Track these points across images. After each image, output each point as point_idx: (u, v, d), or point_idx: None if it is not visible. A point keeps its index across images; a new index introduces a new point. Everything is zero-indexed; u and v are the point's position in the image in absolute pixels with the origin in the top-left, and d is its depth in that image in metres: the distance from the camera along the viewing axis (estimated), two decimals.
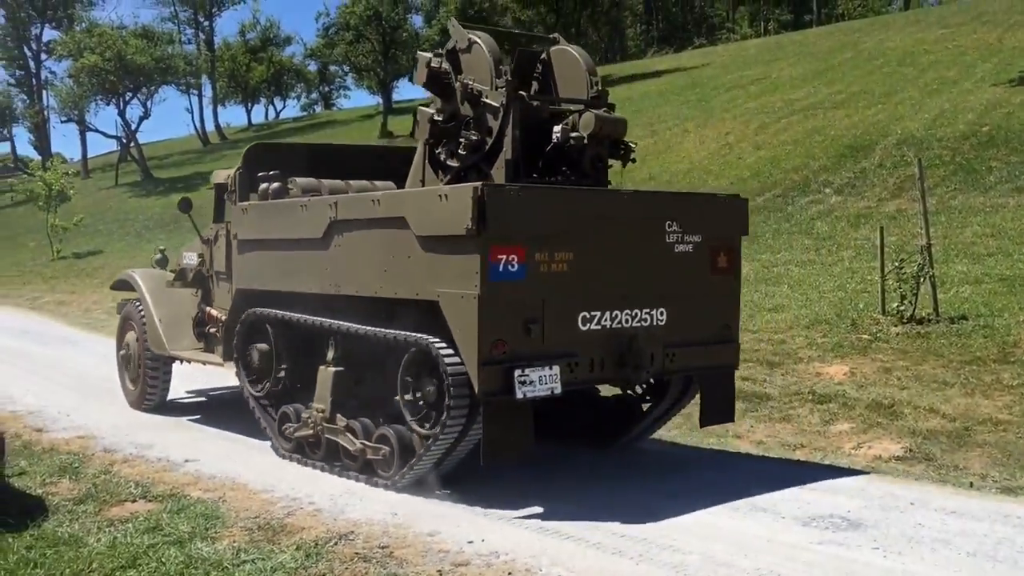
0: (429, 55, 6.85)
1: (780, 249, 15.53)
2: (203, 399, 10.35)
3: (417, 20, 56.47)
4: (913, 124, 21.09)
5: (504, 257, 5.64)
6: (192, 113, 60.65)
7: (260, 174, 7.94)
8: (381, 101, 54.72)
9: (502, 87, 6.34)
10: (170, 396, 9.76)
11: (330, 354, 6.97)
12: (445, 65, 6.72)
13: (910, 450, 7.43)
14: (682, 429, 8.46)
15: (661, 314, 6.42)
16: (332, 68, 68.49)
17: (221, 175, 8.73)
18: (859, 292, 12.10)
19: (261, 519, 5.85)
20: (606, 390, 7.62)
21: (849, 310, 11.28)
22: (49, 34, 61.92)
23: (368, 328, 6.45)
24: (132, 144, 50.34)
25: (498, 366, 5.66)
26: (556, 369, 5.83)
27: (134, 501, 6.25)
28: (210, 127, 61.18)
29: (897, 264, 10.74)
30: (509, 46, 9.60)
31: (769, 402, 8.88)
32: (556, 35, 7.58)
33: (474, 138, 6.44)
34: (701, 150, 24.32)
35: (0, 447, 5.84)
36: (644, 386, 7.39)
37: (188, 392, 10.49)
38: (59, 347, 14.53)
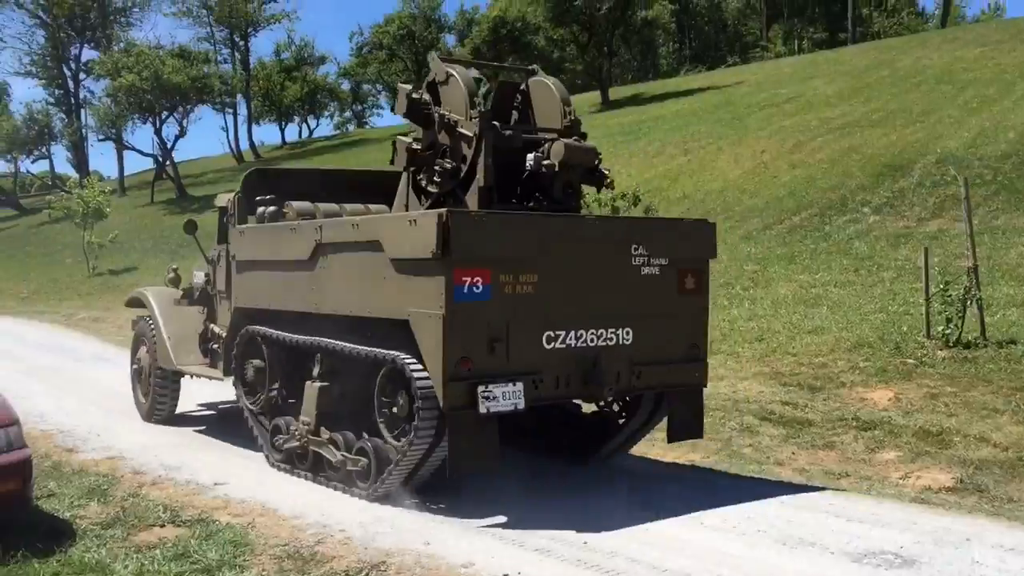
0: (409, 87, 7.22)
1: (818, 269, 15.23)
2: (229, 416, 10.25)
3: (450, 39, 56.72)
4: (953, 143, 20.70)
5: (469, 279, 5.93)
6: (227, 132, 61.49)
7: (258, 198, 8.30)
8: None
9: (476, 117, 6.70)
10: (197, 413, 9.69)
11: (315, 370, 7.26)
12: (425, 96, 7.11)
13: (961, 481, 7.15)
14: (720, 455, 8.23)
15: (627, 333, 6.65)
16: (365, 87, 69.01)
17: (223, 199, 9.05)
18: (902, 314, 11.80)
19: (291, 547, 5.71)
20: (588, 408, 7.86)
21: (892, 333, 10.98)
22: (88, 54, 62.79)
23: (348, 345, 6.74)
24: (168, 162, 50.84)
25: (463, 382, 5.94)
26: (520, 386, 6.08)
27: (162, 526, 6.14)
28: (244, 145, 61.64)
29: (942, 286, 10.45)
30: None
31: (811, 428, 8.62)
32: (535, 67, 7.90)
33: (448, 166, 6.83)
34: (735, 169, 24.05)
35: (28, 469, 5.74)
36: (620, 403, 7.61)
37: (207, 407, 10.40)
38: (92, 364, 14.55)
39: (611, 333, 6.58)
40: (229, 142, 60.99)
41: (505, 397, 6.02)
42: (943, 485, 7.12)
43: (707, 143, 27.63)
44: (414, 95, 7.05)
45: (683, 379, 7.06)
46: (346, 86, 68.63)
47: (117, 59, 47.77)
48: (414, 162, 7.12)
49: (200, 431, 9.44)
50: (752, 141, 26.23)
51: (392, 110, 56.27)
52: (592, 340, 6.50)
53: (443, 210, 6.00)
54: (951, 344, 10.15)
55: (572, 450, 7.86)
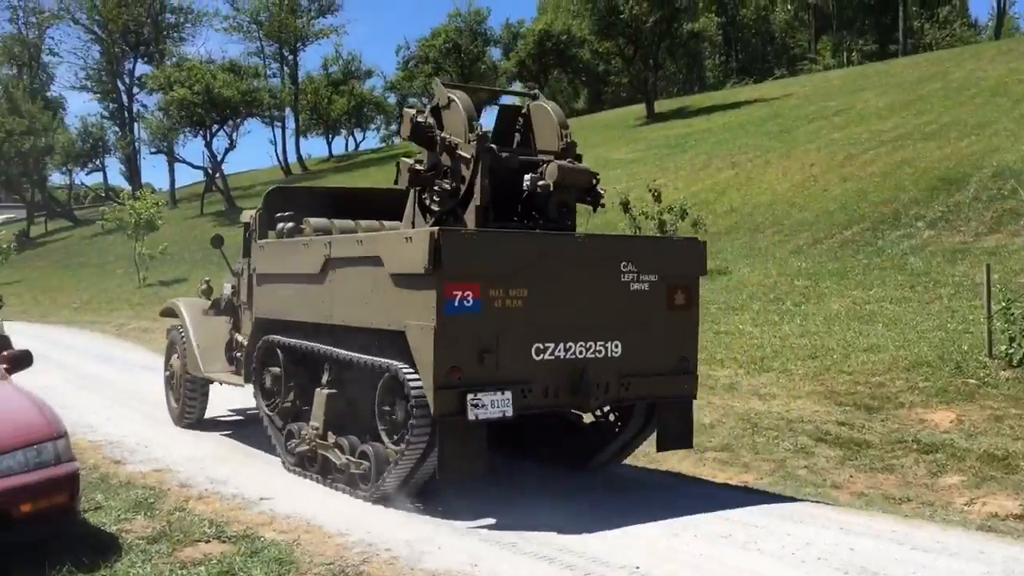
0: (413, 111, 7.56)
1: (872, 285, 14.87)
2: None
3: (496, 52, 56.85)
4: (1010, 156, 20.15)
5: (459, 293, 6.25)
6: (275, 145, 62.14)
7: (278, 215, 8.77)
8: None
9: (474, 140, 7.01)
10: (242, 422, 9.76)
11: (324, 377, 7.65)
12: (430, 120, 7.43)
13: None
14: (774, 477, 8.01)
15: (616, 346, 6.91)
16: (411, 100, 69.38)
17: (247, 215, 9.48)
18: (961, 332, 11.44)
19: (336, 566, 5.61)
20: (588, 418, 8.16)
21: (952, 352, 10.64)
22: (141, 68, 64.01)
23: (353, 354, 7.12)
24: (217, 175, 51.52)
25: (453, 390, 6.25)
26: (508, 394, 6.38)
27: (207, 542, 6.08)
28: (292, 158, 62.28)
29: (1004, 304, 10.11)
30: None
31: (869, 450, 8.35)
32: (536, 91, 8.26)
33: (447, 186, 7.17)
34: (784, 182, 23.68)
35: (75, 483, 5.71)
36: (615, 413, 7.87)
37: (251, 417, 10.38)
38: (141, 374, 14.65)
39: (600, 346, 6.84)
40: (277, 155, 61.65)
41: (494, 405, 6.32)
42: (1010, 512, 6.83)
43: (755, 156, 27.28)
44: (418, 119, 7.39)
45: (673, 391, 7.30)
46: (392, 99, 69.08)
47: (169, 73, 48.61)
48: (416, 182, 7.44)
49: (245, 442, 9.41)
50: (801, 154, 25.83)
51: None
52: (580, 352, 6.75)
53: (435, 228, 6.34)
54: (1015, 364, 9.81)
55: (572, 458, 8.13)
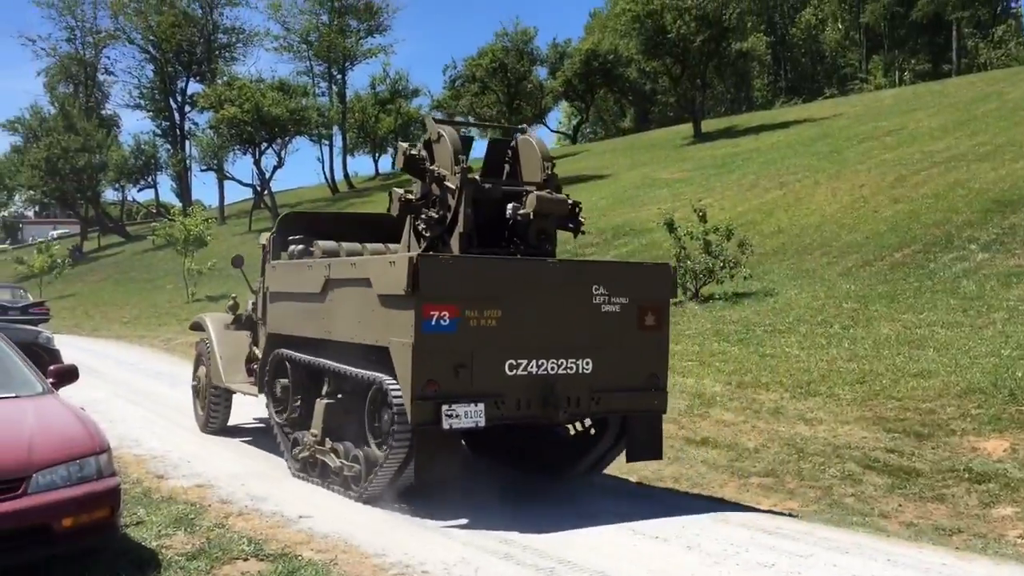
0: (406, 145, 8.26)
1: (923, 309, 14.55)
2: None
3: (542, 72, 57.02)
4: None
5: (436, 313, 6.79)
6: (323, 163, 62.86)
7: (290, 237, 9.41)
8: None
9: (459, 172, 7.60)
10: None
11: (324, 388, 8.26)
12: (422, 152, 8.10)
13: None
14: (820, 504, 7.83)
15: (587, 363, 7.43)
16: (458, 119, 69.79)
17: (264, 237, 10.17)
18: (1016, 359, 11.11)
19: None
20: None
21: (1006, 378, 10.34)
22: (193, 87, 65.44)
23: (348, 367, 7.70)
24: (266, 192, 52.25)
25: (429, 401, 6.81)
26: (481, 406, 6.91)
27: (245, 559, 6.08)
28: (339, 176, 63.02)
29: None
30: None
31: (919, 479, 8.13)
32: (524, 126, 9.14)
33: (435, 214, 7.74)
34: (833, 203, 23.35)
35: (117, 498, 5.76)
36: (595, 427, 8.33)
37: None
38: (187, 390, 14.76)
39: (571, 363, 7.36)
40: (324, 173, 62.43)
41: (467, 416, 6.85)
42: None
43: (803, 176, 26.96)
44: (411, 152, 8.07)
45: (643, 405, 7.79)
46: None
47: (220, 92, 49.51)
48: (407, 210, 8.05)
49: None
50: (851, 175, 25.48)
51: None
52: (552, 368, 7.27)
53: (415, 254, 6.95)
54: None
55: (554, 469, 8.65)
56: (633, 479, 8.98)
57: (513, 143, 8.60)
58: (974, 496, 7.67)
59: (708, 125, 45.44)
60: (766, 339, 13.83)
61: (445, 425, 6.80)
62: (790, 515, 7.60)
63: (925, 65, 61.74)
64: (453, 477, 7.28)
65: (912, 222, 19.79)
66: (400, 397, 6.89)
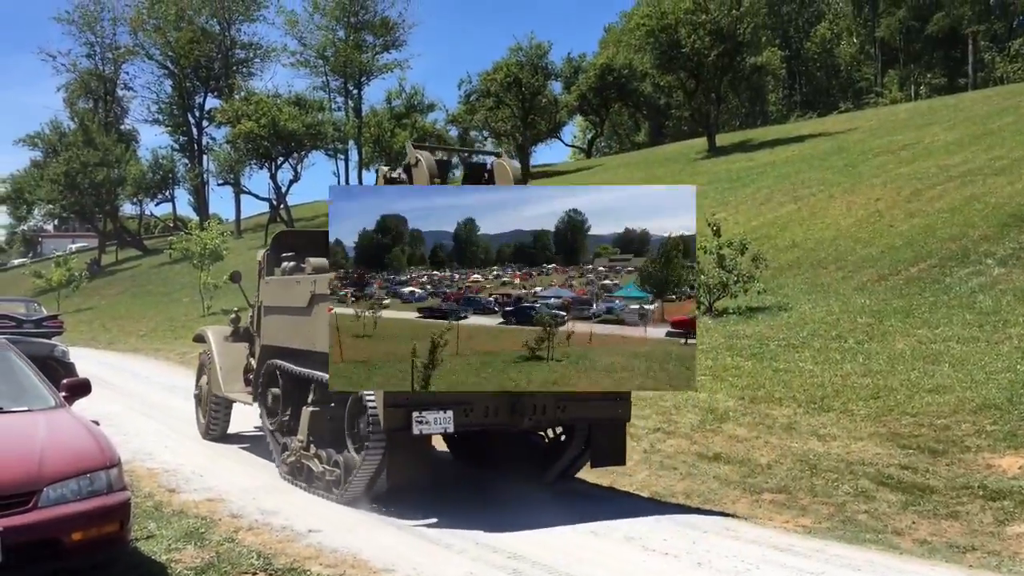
0: (387, 168, 8.91)
1: (938, 324, 14.45)
2: None
3: (556, 86, 57.17)
4: None
5: None
6: (338, 177, 63.06)
7: (283, 254, 9.87)
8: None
9: None
10: None
11: (310, 397, 8.70)
12: (402, 176, 8.70)
13: None
14: (833, 521, 7.76)
15: None
16: (472, 133, 70.02)
17: (260, 254, 10.66)
18: None
19: None
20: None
21: (1022, 394, 10.25)
22: (211, 102, 65.92)
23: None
24: (282, 206, 52.52)
25: (401, 408, 7.24)
26: (450, 413, 7.33)
27: (254, 574, 6.09)
28: None
29: None
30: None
31: (933, 495, 8.06)
32: (501, 151, 9.61)
33: None
34: (848, 217, 23.25)
35: (126, 512, 5.77)
36: (565, 434, 8.80)
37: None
38: None
39: None
40: None
41: (436, 422, 7.25)
42: None
43: (818, 190, 26.88)
44: (392, 175, 8.68)
45: (607, 414, 8.22)
46: (454, 132, 69.81)
47: (237, 107, 49.88)
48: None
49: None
50: (866, 189, 25.38)
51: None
52: None
53: None
54: None
55: (529, 476, 8.98)
56: (645, 494, 8.94)
57: (489, 166, 9.13)
58: (989, 513, 7.59)
59: (723, 139, 45.40)
60: (780, 354, 13.76)
61: (415, 431, 7.20)
62: (803, 531, 7.54)
63: (941, 79, 61.52)
64: (423, 481, 7.67)
65: (928, 236, 19.68)
66: (374, 405, 7.34)
